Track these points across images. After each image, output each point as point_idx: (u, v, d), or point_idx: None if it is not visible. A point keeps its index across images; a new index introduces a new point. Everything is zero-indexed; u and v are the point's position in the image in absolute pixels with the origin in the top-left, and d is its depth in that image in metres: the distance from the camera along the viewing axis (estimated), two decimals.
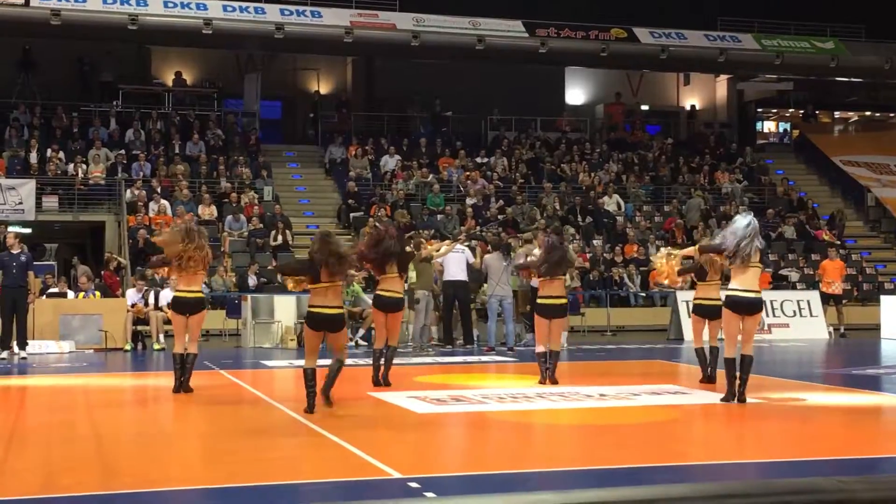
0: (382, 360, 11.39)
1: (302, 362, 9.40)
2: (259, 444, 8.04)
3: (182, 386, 10.82)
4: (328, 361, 9.40)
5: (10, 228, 20.08)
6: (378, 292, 11.48)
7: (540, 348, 11.57)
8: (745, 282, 9.76)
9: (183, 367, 10.83)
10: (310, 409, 9.09)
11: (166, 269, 11.62)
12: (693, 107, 33.84)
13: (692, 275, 11.89)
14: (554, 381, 11.35)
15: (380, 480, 6.57)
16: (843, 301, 21.28)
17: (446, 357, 15.72)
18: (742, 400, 9.75)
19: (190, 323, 10.88)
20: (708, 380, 11.50)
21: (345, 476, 6.80)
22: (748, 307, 9.78)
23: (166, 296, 17.96)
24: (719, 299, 10.96)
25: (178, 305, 10.87)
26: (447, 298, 17.39)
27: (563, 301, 11.57)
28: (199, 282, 10.96)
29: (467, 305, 17.58)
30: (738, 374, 9.85)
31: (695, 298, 11.72)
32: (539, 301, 11.62)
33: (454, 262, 17.09)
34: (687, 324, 19.23)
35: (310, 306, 9.32)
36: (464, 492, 6.19)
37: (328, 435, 8.15)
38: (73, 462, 7.31)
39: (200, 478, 6.92)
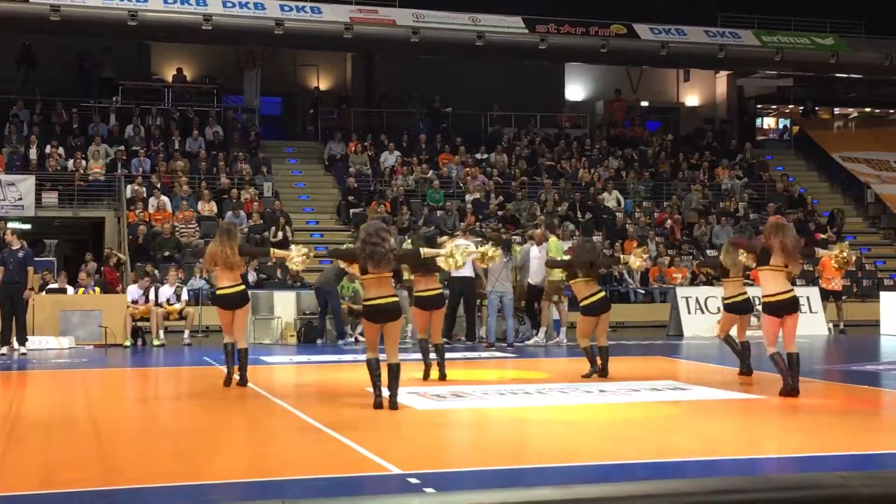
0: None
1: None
2: (259, 440, 8.05)
3: (241, 380, 11.07)
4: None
5: (10, 224, 20.08)
6: (417, 293, 11.53)
7: (584, 343, 11.98)
8: (777, 284, 9.96)
9: (232, 362, 11.08)
10: (378, 405, 9.10)
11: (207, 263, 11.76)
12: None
13: (705, 271, 12.32)
14: (604, 374, 11.80)
15: (379, 476, 6.57)
16: (843, 297, 21.27)
17: (446, 353, 15.66)
18: (796, 391, 10.00)
19: (235, 318, 11.14)
20: (747, 372, 11.79)
21: (344, 472, 6.81)
22: (788, 308, 10.02)
23: (165, 292, 17.98)
24: (746, 293, 11.86)
25: (222, 302, 11.09)
26: (454, 294, 17.33)
27: (602, 295, 11.95)
28: (236, 277, 11.14)
29: (473, 302, 17.55)
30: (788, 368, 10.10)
31: (724, 298, 12.07)
32: (583, 303, 11.93)
33: None
34: (687, 320, 19.34)
35: (364, 300, 9.36)
36: (464, 487, 6.19)
37: (328, 430, 8.16)
38: (74, 457, 7.31)
39: (200, 473, 6.92)
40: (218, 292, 11.23)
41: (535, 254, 17.39)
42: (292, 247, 10.51)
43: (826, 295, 20.65)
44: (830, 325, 20.38)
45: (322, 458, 7.35)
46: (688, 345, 17.56)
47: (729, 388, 10.95)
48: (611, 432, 8.45)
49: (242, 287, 11.26)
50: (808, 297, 20.47)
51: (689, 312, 19.49)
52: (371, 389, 9.24)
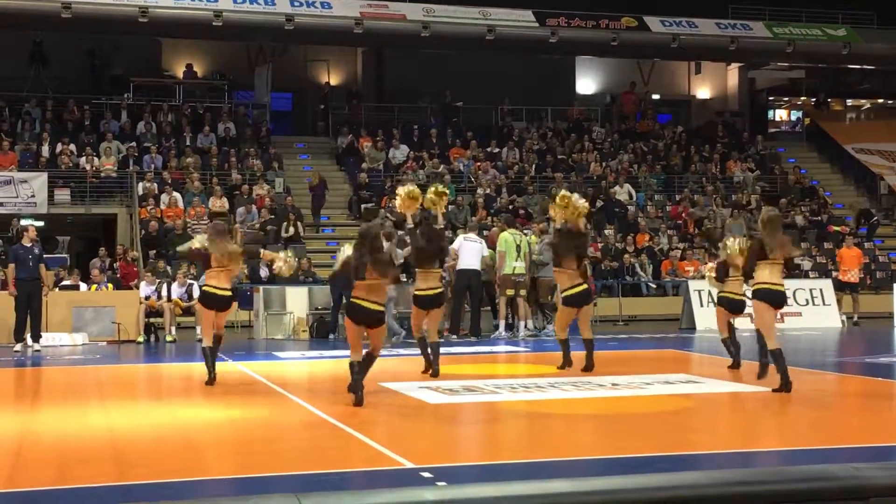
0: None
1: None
2: (272, 435, 8.06)
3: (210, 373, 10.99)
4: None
5: (24, 221, 20.16)
6: (416, 292, 11.38)
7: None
8: (774, 276, 9.91)
9: (214, 362, 10.94)
10: (358, 402, 8.96)
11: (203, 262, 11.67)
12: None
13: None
14: (588, 368, 11.55)
15: (392, 470, 6.58)
16: (858, 289, 21.18)
17: (457, 347, 15.68)
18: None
19: (216, 318, 11.09)
20: (736, 365, 11.76)
21: (357, 466, 6.81)
22: (782, 300, 10.01)
23: (176, 289, 18.02)
24: (743, 294, 11.62)
25: (207, 300, 11.02)
26: (460, 288, 17.31)
27: (584, 287, 11.74)
28: (228, 280, 11.06)
29: (479, 296, 17.52)
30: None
31: (720, 292, 12.00)
32: (564, 294, 11.75)
33: (469, 251, 17.07)
34: (700, 313, 19.27)
35: (351, 297, 9.26)
36: (476, 481, 6.18)
37: (341, 425, 8.17)
38: (87, 453, 7.33)
39: (214, 468, 6.94)
40: (207, 289, 11.07)
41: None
42: (281, 252, 10.46)
43: (842, 287, 20.54)
44: (844, 317, 20.30)
45: (335, 452, 7.36)
46: (700, 338, 17.52)
47: (742, 381, 10.91)
48: (623, 426, 8.44)
49: (230, 293, 11.14)
50: (821, 290, 20.41)
51: (702, 305, 19.42)
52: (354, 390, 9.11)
